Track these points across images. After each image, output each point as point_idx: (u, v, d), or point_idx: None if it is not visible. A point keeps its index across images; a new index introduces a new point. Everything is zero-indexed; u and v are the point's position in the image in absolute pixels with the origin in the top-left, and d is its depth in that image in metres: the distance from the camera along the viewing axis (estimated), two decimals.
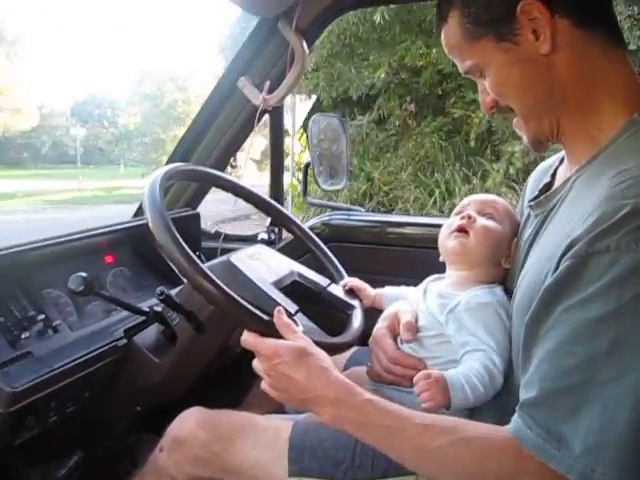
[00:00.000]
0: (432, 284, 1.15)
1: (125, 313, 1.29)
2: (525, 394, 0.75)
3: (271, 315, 0.96)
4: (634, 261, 0.65)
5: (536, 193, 1.01)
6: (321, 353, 0.91)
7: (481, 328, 0.99)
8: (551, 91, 0.85)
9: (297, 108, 7.57)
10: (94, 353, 1.15)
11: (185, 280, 1.08)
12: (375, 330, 1.14)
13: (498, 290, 1.06)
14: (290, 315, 1.07)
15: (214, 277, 0.96)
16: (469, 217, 1.10)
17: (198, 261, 0.97)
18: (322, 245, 1.46)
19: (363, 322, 1.23)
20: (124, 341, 1.21)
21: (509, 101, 0.89)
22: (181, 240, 0.98)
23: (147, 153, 32.87)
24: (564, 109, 0.86)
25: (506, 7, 0.83)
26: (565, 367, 0.69)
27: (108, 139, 38.16)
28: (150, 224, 1.02)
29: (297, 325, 1.04)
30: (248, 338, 0.94)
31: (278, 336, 0.93)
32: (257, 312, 0.96)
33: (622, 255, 0.66)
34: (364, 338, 1.19)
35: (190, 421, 1.10)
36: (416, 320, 1.08)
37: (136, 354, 1.22)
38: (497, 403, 0.96)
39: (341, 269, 1.41)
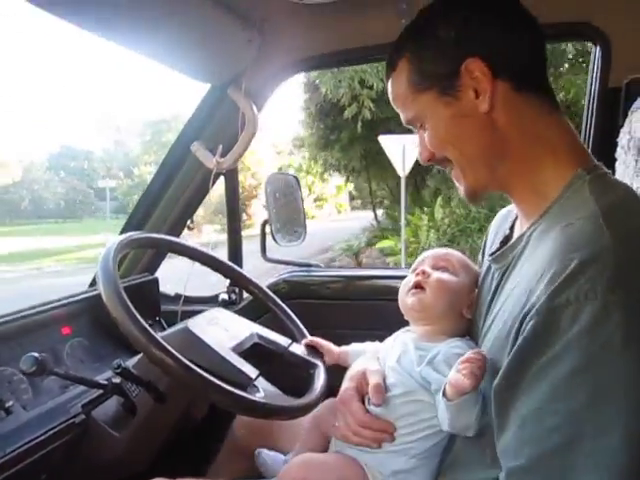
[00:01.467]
0: (402, 336, 1.15)
1: (83, 387, 1.25)
2: (510, 461, 0.72)
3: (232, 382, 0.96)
4: (596, 310, 0.66)
5: (497, 245, 1.03)
6: None
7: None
8: (490, 146, 0.89)
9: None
10: (50, 432, 1.11)
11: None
12: (342, 391, 1.12)
13: (473, 344, 1.05)
14: (250, 380, 1.06)
15: (171, 349, 0.95)
16: (423, 272, 1.12)
17: (154, 334, 0.96)
18: (282, 304, 1.47)
19: (326, 381, 1.23)
20: (82, 417, 1.18)
21: (447, 153, 0.92)
22: (136, 313, 0.98)
23: None
24: (503, 163, 0.90)
25: (451, 64, 0.87)
26: (547, 427, 0.68)
27: (124, 190, 37.00)
28: (103, 296, 1.01)
29: (258, 391, 1.04)
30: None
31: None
32: (223, 385, 0.96)
33: (584, 306, 0.66)
34: (332, 390, 1.19)
35: None
36: (384, 379, 1.07)
37: (95, 429, 1.18)
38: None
39: (302, 328, 1.42)
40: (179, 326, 1.17)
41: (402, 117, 0.98)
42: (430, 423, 0.99)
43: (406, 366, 1.06)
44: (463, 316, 1.11)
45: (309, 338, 1.36)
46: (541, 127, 0.89)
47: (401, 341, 1.13)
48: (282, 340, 1.33)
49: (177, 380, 0.97)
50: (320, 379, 1.23)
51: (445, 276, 1.12)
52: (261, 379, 1.10)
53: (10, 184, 32.24)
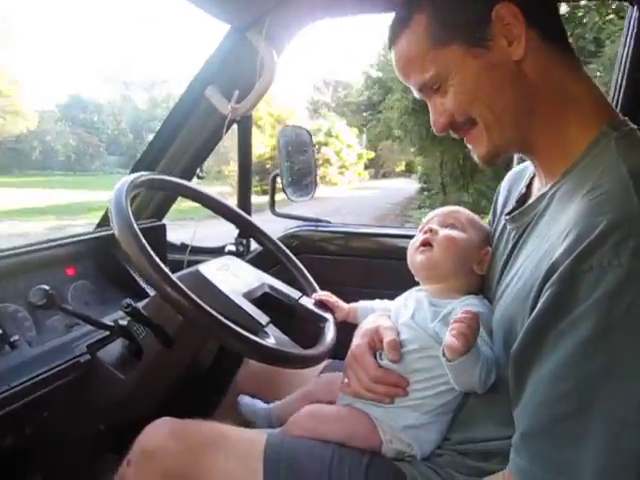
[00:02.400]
0: (416, 294, 1.13)
1: (88, 328, 1.23)
2: (522, 425, 0.72)
3: (243, 326, 0.94)
4: (619, 277, 0.64)
5: (513, 205, 1.00)
6: None
7: (482, 330, 0.95)
8: (520, 99, 0.85)
9: None
10: (54, 370, 1.09)
11: (154, 292, 1.04)
12: (354, 347, 1.10)
13: (487, 302, 1.04)
14: (261, 326, 1.04)
15: (185, 288, 0.92)
16: (431, 230, 1.11)
17: (170, 273, 0.94)
18: (292, 257, 1.45)
19: (335, 335, 1.21)
20: (87, 357, 1.16)
21: (474, 110, 0.87)
22: (151, 251, 0.95)
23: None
24: (531, 119, 0.86)
25: (480, 11, 0.83)
26: (562, 391, 0.67)
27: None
28: (118, 236, 0.98)
29: (269, 337, 1.02)
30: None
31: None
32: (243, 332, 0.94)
33: (606, 272, 0.65)
34: (336, 351, 1.17)
35: (159, 431, 1.05)
36: (398, 335, 1.06)
37: (100, 370, 1.17)
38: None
39: (312, 281, 1.40)
40: (191, 269, 1.14)
41: (415, 82, 0.91)
42: (444, 380, 0.98)
43: (420, 322, 1.05)
44: (475, 273, 1.10)
45: (319, 293, 1.34)
46: (568, 81, 0.85)
47: (415, 298, 1.12)
48: (292, 292, 1.32)
49: (189, 320, 0.95)
50: (330, 333, 1.21)
51: (453, 233, 1.11)
52: (271, 326, 1.08)
53: (24, 134, 31.30)
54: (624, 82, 1.45)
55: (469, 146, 0.94)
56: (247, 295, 1.15)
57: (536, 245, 0.83)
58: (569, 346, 0.67)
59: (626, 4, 1.48)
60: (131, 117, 40.01)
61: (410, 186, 20.26)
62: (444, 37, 0.85)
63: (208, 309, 0.92)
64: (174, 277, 0.94)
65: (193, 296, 0.92)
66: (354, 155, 24.81)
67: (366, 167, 27.91)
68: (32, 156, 33.07)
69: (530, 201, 0.93)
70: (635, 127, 0.83)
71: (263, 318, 1.08)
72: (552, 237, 0.76)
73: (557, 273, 0.69)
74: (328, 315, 1.27)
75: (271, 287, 1.28)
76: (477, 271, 1.09)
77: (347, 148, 23.46)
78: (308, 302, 1.31)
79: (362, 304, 1.29)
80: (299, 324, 1.24)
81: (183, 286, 0.92)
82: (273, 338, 1.03)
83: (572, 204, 0.76)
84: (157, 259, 0.94)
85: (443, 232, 1.11)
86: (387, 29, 0.93)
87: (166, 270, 0.93)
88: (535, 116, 0.86)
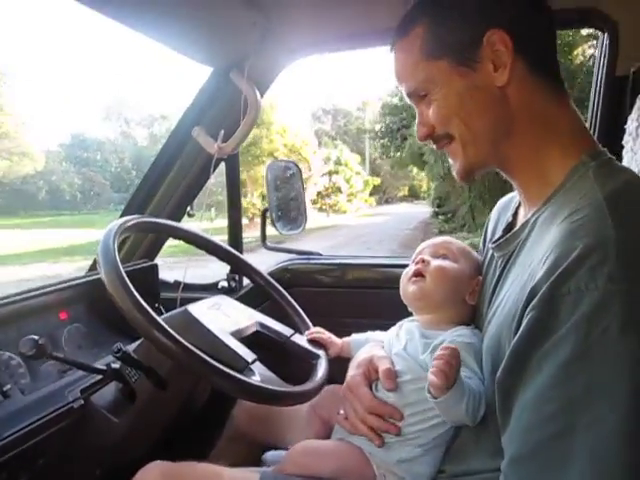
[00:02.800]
0: (408, 325, 1.14)
1: (81, 372, 1.23)
2: (510, 450, 0.72)
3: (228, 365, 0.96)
4: (595, 300, 0.65)
5: (500, 233, 1.02)
6: None
7: (471, 361, 0.98)
8: (499, 122, 0.88)
9: None
10: (48, 417, 1.10)
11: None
12: (349, 378, 1.11)
13: (478, 332, 1.04)
14: (247, 363, 1.05)
15: (170, 329, 0.94)
16: (423, 261, 1.12)
17: (153, 313, 0.95)
18: (284, 293, 1.46)
19: (327, 371, 1.22)
20: (81, 402, 1.16)
21: (452, 126, 0.90)
22: (136, 294, 0.96)
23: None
24: (509, 142, 0.89)
25: (473, 33, 0.86)
26: (546, 414, 0.67)
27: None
28: (104, 279, 0.99)
29: (254, 374, 1.02)
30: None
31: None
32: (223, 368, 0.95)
33: (584, 296, 0.66)
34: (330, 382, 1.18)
35: (151, 476, 1.05)
36: (392, 365, 1.07)
37: (94, 415, 1.17)
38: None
39: (305, 317, 1.41)
40: (180, 309, 1.15)
41: (406, 87, 0.95)
42: (437, 412, 0.98)
43: (412, 353, 1.06)
44: (466, 303, 1.10)
45: (312, 330, 1.35)
46: (550, 111, 0.88)
47: (406, 329, 1.13)
48: (284, 329, 1.32)
49: (175, 360, 0.96)
50: (322, 368, 1.22)
51: (445, 263, 1.12)
52: (258, 363, 1.08)
53: (30, 174, 31.01)
54: (599, 110, 1.48)
55: (450, 160, 0.97)
56: (236, 334, 1.16)
57: (520, 272, 0.84)
58: (551, 368, 0.67)
59: (598, 32, 1.52)
60: (133, 154, 40.01)
61: (416, 210, 20.31)
62: (436, 51, 0.88)
63: (191, 348, 0.93)
64: (158, 318, 0.95)
65: (177, 336, 0.93)
66: (361, 182, 24.98)
67: (371, 194, 28.12)
68: (39, 196, 32.91)
69: (515, 229, 0.95)
70: (613, 157, 0.86)
71: (249, 356, 1.08)
72: (534, 262, 0.77)
73: (537, 297, 0.70)
74: (320, 352, 1.28)
75: (262, 325, 1.29)
76: (469, 301, 1.10)
77: (356, 175, 23.61)
78: (300, 339, 1.31)
79: (355, 337, 1.30)
80: (291, 361, 1.24)
81: (166, 326, 0.94)
82: (258, 375, 1.03)
83: (552, 229, 0.78)
84: (142, 301, 0.95)
85: (435, 263, 1.11)
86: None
87: (150, 311, 0.95)
88: (514, 140, 0.89)
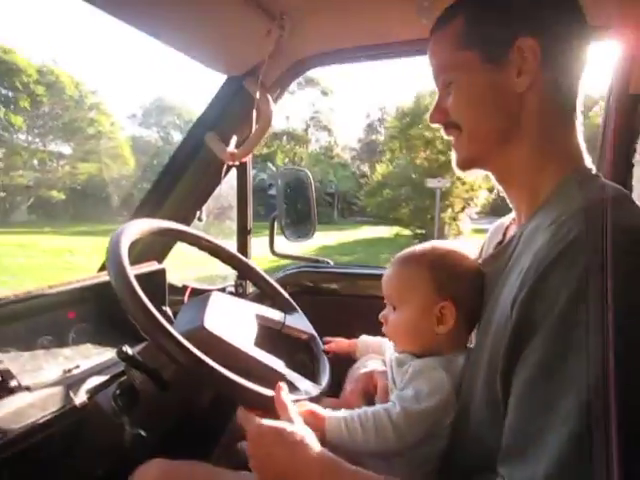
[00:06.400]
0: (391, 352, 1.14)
1: (85, 372, 1.25)
2: (502, 449, 0.74)
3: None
4: (570, 297, 0.67)
5: (490, 252, 1.04)
6: (303, 429, 0.88)
7: (409, 387, 0.98)
8: (508, 125, 0.89)
9: None
10: (52, 415, 1.11)
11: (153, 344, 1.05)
12: (348, 393, 1.12)
13: (459, 359, 1.01)
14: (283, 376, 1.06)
15: (198, 351, 0.92)
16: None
17: (166, 324, 0.94)
18: (290, 299, 1.47)
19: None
20: (85, 401, 1.17)
21: (464, 118, 0.93)
22: (147, 302, 0.95)
23: None
24: (510, 147, 0.90)
25: (507, 33, 0.87)
26: (530, 412, 0.70)
27: None
28: (112, 282, 0.99)
29: (299, 390, 1.04)
30: (240, 414, 0.94)
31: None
32: (257, 389, 0.94)
33: (558, 298, 0.68)
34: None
35: (150, 473, 1.06)
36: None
37: (97, 415, 1.17)
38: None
39: (309, 325, 1.42)
40: (195, 325, 1.12)
41: (434, 70, 0.98)
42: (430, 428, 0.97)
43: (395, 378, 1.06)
44: (439, 333, 1.03)
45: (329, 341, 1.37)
46: (557, 129, 0.89)
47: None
48: (277, 315, 1.37)
49: (208, 387, 0.96)
50: (326, 367, 1.26)
51: (392, 317, 1.08)
52: (287, 369, 1.10)
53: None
54: (611, 127, 1.48)
55: (453, 150, 0.99)
56: (256, 340, 1.17)
57: (511, 281, 0.84)
58: (532, 366, 0.70)
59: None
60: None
61: None
62: (469, 42, 0.90)
63: (230, 375, 0.92)
64: (172, 329, 0.93)
65: (199, 353, 0.92)
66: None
67: None
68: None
69: (503, 244, 0.97)
70: (599, 174, 0.88)
71: (277, 364, 1.09)
72: (523, 271, 0.78)
73: (517, 302, 0.73)
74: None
75: (261, 317, 1.31)
76: (440, 331, 1.02)
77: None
78: (293, 322, 1.36)
79: (363, 339, 1.33)
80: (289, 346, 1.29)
81: (187, 343, 0.92)
82: (304, 393, 1.05)
83: (533, 242, 0.80)
84: (154, 311, 0.94)
85: (390, 318, 1.09)
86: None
87: (163, 322, 0.93)
88: (515, 147, 0.90)
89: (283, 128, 38.63)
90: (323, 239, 17.82)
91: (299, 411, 0.93)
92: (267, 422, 0.89)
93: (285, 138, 39.23)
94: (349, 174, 37.66)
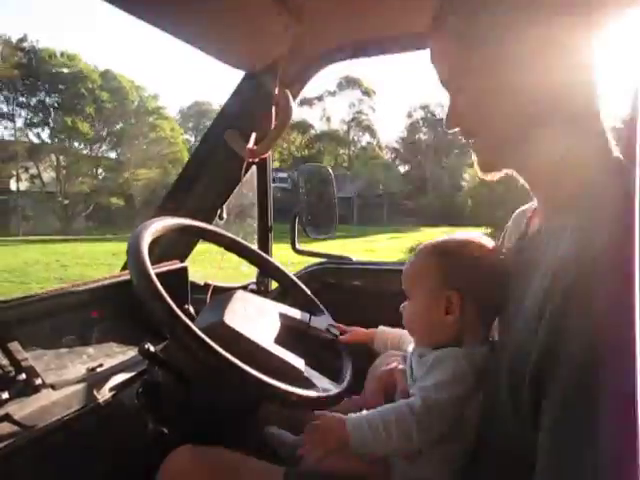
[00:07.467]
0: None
1: (109, 370, 1.25)
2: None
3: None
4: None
5: (513, 242, 1.02)
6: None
7: (429, 377, 0.97)
8: (524, 126, 0.85)
9: None
10: (77, 413, 1.11)
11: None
12: (369, 394, 1.12)
13: (480, 352, 1.00)
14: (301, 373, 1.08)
15: (218, 347, 0.92)
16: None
17: (189, 322, 0.93)
18: (312, 295, 1.46)
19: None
20: (109, 399, 1.18)
21: (477, 123, 0.88)
22: (167, 298, 0.95)
23: None
24: (527, 146, 0.85)
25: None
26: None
27: None
28: (134, 283, 0.98)
29: (317, 388, 1.06)
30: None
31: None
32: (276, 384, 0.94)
33: (592, 304, 0.64)
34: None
35: (182, 458, 1.08)
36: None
37: (120, 412, 1.18)
38: None
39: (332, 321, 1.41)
40: (215, 320, 1.13)
41: (440, 74, 0.93)
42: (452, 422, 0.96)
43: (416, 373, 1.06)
44: (450, 326, 1.02)
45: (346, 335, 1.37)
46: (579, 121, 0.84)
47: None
48: (302, 315, 1.37)
49: (226, 381, 0.96)
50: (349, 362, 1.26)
51: (407, 310, 1.10)
52: (308, 368, 1.10)
53: None
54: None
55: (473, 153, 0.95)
56: (277, 339, 1.17)
57: (536, 281, 0.80)
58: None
59: None
60: None
61: None
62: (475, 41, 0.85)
63: (250, 370, 0.92)
64: (194, 327, 0.93)
65: (237, 362, 0.92)
66: None
67: None
68: None
69: (527, 238, 0.95)
70: (628, 166, 0.82)
71: (298, 362, 1.10)
72: (548, 273, 0.75)
73: (547, 310, 0.69)
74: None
75: (285, 316, 1.31)
76: (448, 321, 1.01)
77: None
78: (318, 323, 1.37)
79: (381, 330, 1.35)
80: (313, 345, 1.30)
81: (219, 348, 0.92)
82: (318, 385, 1.06)
83: (560, 243, 0.75)
84: (175, 308, 0.93)
85: (405, 308, 1.12)
86: None
87: (187, 321, 0.93)
88: (534, 144, 0.85)
89: (324, 129, 38.63)
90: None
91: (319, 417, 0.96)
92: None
93: (326, 139, 39.26)
94: (396, 175, 37.48)
